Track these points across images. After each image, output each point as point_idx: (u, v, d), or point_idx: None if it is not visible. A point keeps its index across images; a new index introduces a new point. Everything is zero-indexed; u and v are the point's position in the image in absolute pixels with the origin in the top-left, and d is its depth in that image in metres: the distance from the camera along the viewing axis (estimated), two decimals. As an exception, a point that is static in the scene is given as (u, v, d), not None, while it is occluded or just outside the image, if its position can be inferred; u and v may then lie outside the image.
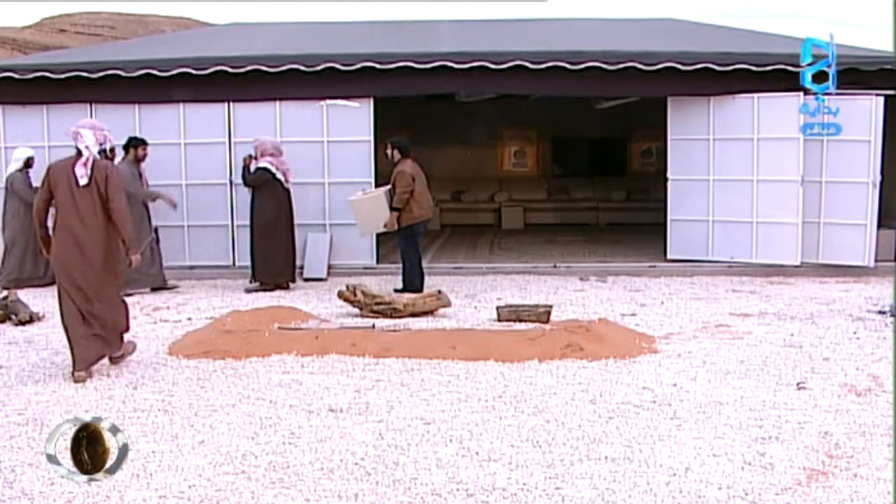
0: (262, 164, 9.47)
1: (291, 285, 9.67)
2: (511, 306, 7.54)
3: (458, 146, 16.40)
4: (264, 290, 9.39)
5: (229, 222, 10.48)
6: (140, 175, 9.38)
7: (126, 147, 9.23)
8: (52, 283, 9.35)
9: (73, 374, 5.79)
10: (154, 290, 9.39)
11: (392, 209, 8.81)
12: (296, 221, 9.72)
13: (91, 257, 5.87)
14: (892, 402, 4.96)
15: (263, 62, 10.22)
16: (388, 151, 9.06)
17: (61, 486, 3.89)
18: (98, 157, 6.00)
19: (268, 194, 9.44)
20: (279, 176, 9.48)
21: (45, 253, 6.20)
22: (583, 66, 10.06)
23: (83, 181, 5.90)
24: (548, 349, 6.23)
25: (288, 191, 9.58)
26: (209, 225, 10.06)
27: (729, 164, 10.40)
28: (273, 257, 9.49)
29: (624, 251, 11.98)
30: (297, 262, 9.93)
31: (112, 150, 6.36)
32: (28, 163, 9.87)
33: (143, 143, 9.37)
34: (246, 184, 9.60)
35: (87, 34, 40.91)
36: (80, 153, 5.96)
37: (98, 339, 5.92)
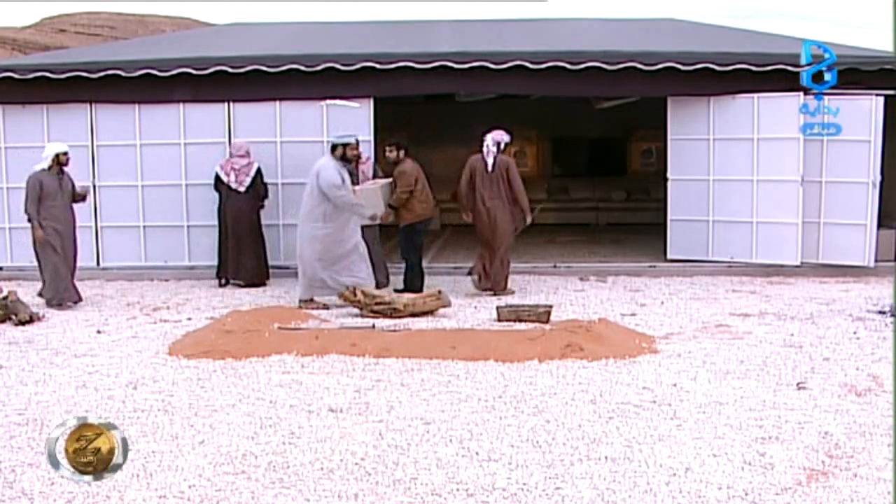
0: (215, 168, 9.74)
1: (268, 283, 9.88)
2: (511, 306, 7.55)
3: (458, 146, 16.34)
4: (220, 286, 9.73)
5: (229, 222, 10.48)
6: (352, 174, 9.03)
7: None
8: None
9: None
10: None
11: (389, 206, 8.84)
12: (265, 221, 10.03)
13: (497, 218, 8.90)
14: (892, 402, 4.96)
15: (263, 62, 10.22)
16: (393, 153, 9.06)
17: (61, 486, 3.89)
18: (496, 152, 8.96)
19: (221, 197, 9.72)
20: (225, 178, 9.64)
21: (468, 217, 9.18)
22: (583, 66, 10.06)
23: (490, 168, 8.93)
24: (548, 349, 6.23)
25: (246, 192, 9.68)
26: (209, 225, 10.05)
27: (729, 164, 10.39)
28: (226, 257, 9.73)
29: (624, 251, 11.98)
30: (293, 262, 9.95)
31: (504, 146, 9.12)
32: (58, 160, 8.55)
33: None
34: None
35: (87, 34, 40.86)
36: (482, 150, 8.98)
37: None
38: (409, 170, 8.87)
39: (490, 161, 8.96)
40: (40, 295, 8.66)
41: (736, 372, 5.86)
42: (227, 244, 9.74)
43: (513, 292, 9.03)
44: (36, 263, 8.73)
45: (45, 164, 8.55)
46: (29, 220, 8.54)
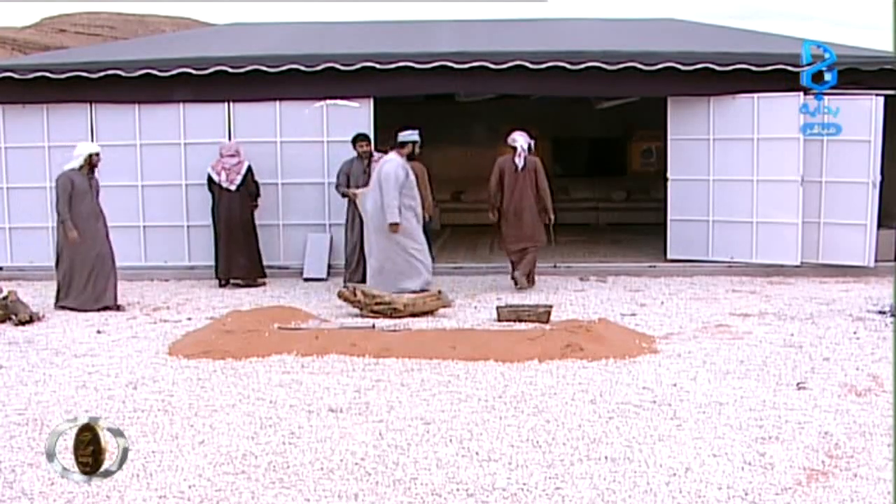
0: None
1: (266, 282, 9.91)
2: (511, 306, 7.54)
3: (458, 146, 16.37)
4: (220, 286, 9.77)
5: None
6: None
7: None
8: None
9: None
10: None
11: None
12: (265, 221, 10.18)
13: (525, 217, 9.20)
14: (892, 402, 4.95)
15: (263, 62, 10.22)
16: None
17: (61, 486, 3.89)
18: (527, 151, 9.23)
19: (214, 197, 9.80)
20: (216, 178, 9.70)
21: (494, 216, 9.43)
22: (583, 66, 10.06)
23: (521, 168, 9.18)
24: (548, 349, 6.23)
25: (238, 191, 9.72)
26: (209, 225, 10.04)
27: (729, 164, 10.39)
28: (220, 256, 9.79)
29: (624, 251, 11.98)
30: (293, 262, 10.32)
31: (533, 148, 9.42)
32: (90, 160, 8.35)
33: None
34: None
35: (87, 34, 40.84)
36: (515, 150, 9.21)
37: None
38: None
39: (521, 162, 9.22)
40: (61, 306, 8.30)
41: (736, 372, 5.86)
42: (220, 243, 9.78)
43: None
44: (54, 265, 8.41)
45: (77, 164, 8.29)
46: (60, 221, 8.22)
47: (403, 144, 8.67)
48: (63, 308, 8.32)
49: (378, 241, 8.55)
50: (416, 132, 8.83)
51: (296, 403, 5.18)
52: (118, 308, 8.37)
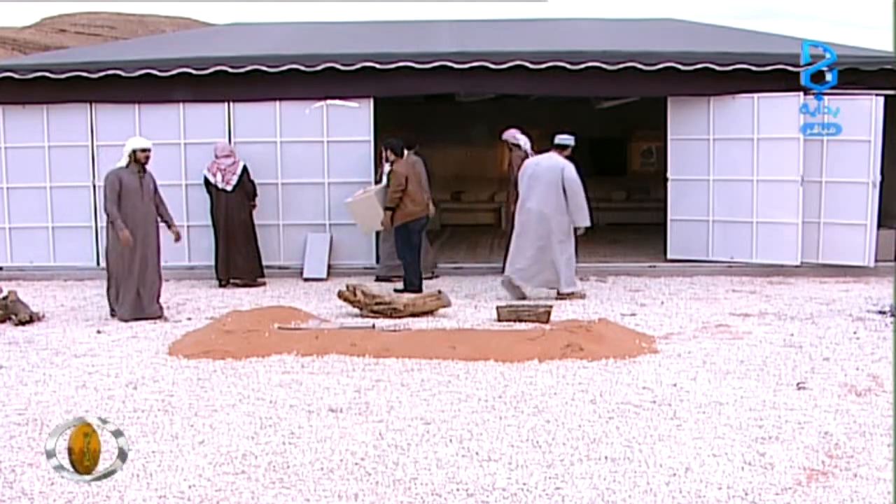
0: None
1: (265, 282, 9.91)
2: (511, 306, 7.55)
3: (458, 146, 16.38)
4: (220, 287, 9.78)
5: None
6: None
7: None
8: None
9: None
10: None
11: (385, 209, 8.88)
12: (265, 221, 10.23)
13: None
14: (892, 402, 4.95)
15: (263, 62, 10.22)
16: (384, 154, 9.18)
17: (61, 486, 3.89)
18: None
19: (211, 198, 9.83)
20: (212, 179, 9.73)
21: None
22: (583, 66, 10.07)
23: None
24: (548, 349, 6.23)
25: (234, 191, 9.73)
26: (209, 225, 10.04)
27: (729, 164, 10.40)
28: (218, 257, 9.81)
29: (624, 251, 11.97)
30: (292, 262, 10.33)
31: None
32: (135, 156, 7.87)
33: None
34: None
35: (87, 34, 40.84)
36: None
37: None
38: (399, 170, 8.90)
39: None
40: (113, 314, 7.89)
41: (736, 372, 5.86)
42: (219, 244, 9.79)
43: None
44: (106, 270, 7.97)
45: (124, 162, 7.85)
46: (109, 222, 7.74)
47: (564, 147, 8.82)
48: (124, 320, 7.75)
49: (547, 240, 8.57)
50: (573, 137, 8.93)
51: (296, 403, 5.18)
52: (161, 318, 7.87)
